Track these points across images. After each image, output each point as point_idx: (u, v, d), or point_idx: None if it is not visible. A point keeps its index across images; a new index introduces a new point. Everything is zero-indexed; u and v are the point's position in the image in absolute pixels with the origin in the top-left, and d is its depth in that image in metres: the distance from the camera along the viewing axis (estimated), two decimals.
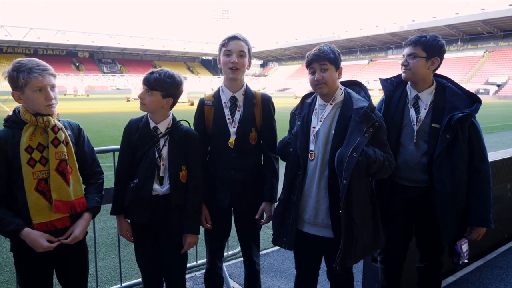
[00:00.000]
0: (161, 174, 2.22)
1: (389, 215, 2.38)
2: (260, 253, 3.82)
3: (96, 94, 57.18)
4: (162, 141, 2.23)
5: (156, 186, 2.20)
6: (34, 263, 1.96)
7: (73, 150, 2.00)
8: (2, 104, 29.67)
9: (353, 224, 1.98)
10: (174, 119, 2.30)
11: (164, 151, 2.22)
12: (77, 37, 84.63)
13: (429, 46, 2.27)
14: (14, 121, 1.92)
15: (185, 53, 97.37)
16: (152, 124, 2.24)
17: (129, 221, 2.31)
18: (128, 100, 34.57)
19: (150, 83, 2.17)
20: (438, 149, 2.21)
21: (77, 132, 2.11)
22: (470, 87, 53.03)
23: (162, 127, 2.24)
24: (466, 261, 2.30)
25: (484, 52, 64.31)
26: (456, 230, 2.30)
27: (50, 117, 1.93)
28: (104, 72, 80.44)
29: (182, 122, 2.33)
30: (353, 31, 79.33)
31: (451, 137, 2.19)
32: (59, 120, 2.02)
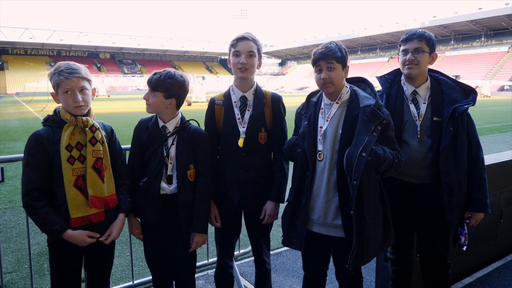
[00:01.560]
0: (169, 173, 2.24)
1: (392, 211, 2.34)
2: (273, 252, 3.84)
3: (117, 94, 58.35)
4: (170, 140, 2.25)
5: (164, 184, 2.23)
6: (70, 256, 2.06)
7: (107, 149, 2.11)
8: (27, 105, 30.72)
9: (364, 224, 1.96)
10: (183, 118, 2.33)
11: (172, 150, 2.25)
12: (98, 39, 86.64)
13: (431, 41, 2.29)
14: (55, 121, 2.03)
15: (204, 53, 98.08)
16: (160, 123, 2.27)
17: (139, 219, 2.34)
18: None
19: (152, 84, 2.20)
20: (443, 142, 2.24)
21: (110, 134, 2.21)
22: (494, 83, 51.42)
23: (171, 126, 2.27)
24: (467, 241, 2.39)
25: (509, 48, 62.12)
26: (459, 217, 2.35)
27: (88, 117, 2.04)
28: (125, 73, 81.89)
29: (191, 122, 2.35)
30: (372, 29, 78.10)
31: (454, 130, 2.22)
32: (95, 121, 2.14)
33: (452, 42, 71.78)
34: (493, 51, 63.68)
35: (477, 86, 53.07)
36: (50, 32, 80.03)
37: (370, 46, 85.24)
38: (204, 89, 33.65)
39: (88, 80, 2.06)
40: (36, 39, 77.68)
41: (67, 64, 2.00)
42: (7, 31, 75.65)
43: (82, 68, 2.04)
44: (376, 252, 2.09)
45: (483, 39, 67.17)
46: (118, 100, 40.30)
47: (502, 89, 52.31)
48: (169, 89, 2.19)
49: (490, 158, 3.55)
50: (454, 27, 68.05)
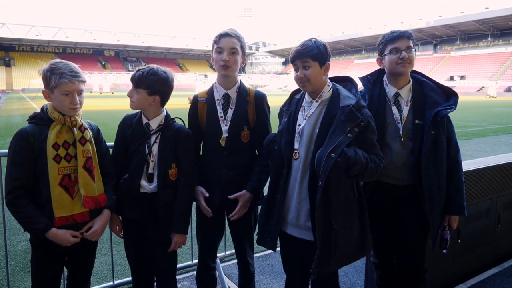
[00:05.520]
0: (150, 171, 2.20)
1: (372, 214, 2.27)
2: (262, 254, 3.77)
3: (121, 91, 58.43)
4: (153, 138, 2.21)
5: (144, 183, 2.19)
6: (52, 256, 2.02)
7: (95, 148, 2.08)
8: (31, 101, 30.98)
9: (330, 228, 1.87)
10: (167, 116, 2.28)
11: (155, 148, 2.21)
12: (103, 36, 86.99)
13: (414, 41, 2.27)
14: (42, 118, 1.99)
15: (208, 51, 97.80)
16: (144, 121, 2.24)
17: (120, 217, 2.30)
18: None
19: (135, 81, 2.16)
20: (425, 145, 2.19)
21: (97, 133, 2.18)
22: (501, 84, 50.98)
23: (154, 124, 2.23)
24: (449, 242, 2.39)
25: None
26: (440, 221, 2.33)
27: (76, 117, 2.01)
28: (129, 70, 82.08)
29: (176, 120, 2.30)
30: (377, 28, 77.50)
31: (435, 133, 2.18)
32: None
33: (458, 42, 71.17)
34: (499, 51, 62.97)
35: (483, 87, 52.70)
36: (56, 29, 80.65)
37: (374, 45, 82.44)
38: (206, 87, 33.59)
39: (85, 82, 2.04)
40: (42, 36, 78.23)
41: (68, 66, 1.96)
42: (14, 28, 76.19)
43: (80, 70, 2.02)
44: (349, 259, 2.00)
45: (489, 39, 66.51)
46: (121, 97, 40.37)
47: (508, 90, 51.72)
48: (152, 85, 2.15)
49: (488, 161, 3.46)
50: (460, 26, 67.44)
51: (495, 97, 44.09)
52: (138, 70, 2.19)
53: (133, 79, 2.17)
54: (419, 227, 2.29)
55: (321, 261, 1.88)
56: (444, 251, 2.37)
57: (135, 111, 2.30)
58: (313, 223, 1.94)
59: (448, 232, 2.36)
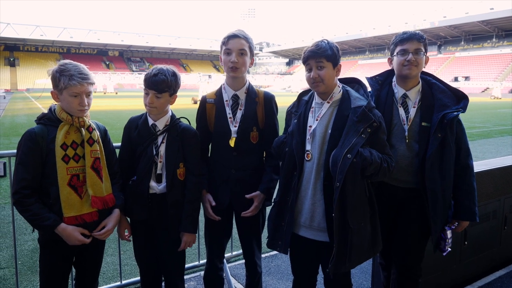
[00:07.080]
0: (158, 172, 2.21)
1: (379, 214, 2.25)
2: (268, 254, 3.77)
3: (125, 92, 58.70)
4: (160, 139, 2.22)
5: (153, 183, 2.20)
6: (61, 255, 2.03)
7: (103, 149, 2.10)
8: (35, 101, 31.16)
9: (347, 228, 1.89)
10: (173, 116, 2.29)
11: (162, 148, 2.22)
12: (107, 36, 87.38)
13: (426, 43, 2.25)
14: (50, 119, 2.01)
15: (212, 51, 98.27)
16: (150, 122, 2.24)
17: (128, 219, 2.30)
18: None
19: (159, 87, 2.13)
20: (430, 148, 2.16)
21: (104, 134, 2.19)
22: (506, 85, 50.65)
23: (160, 124, 2.23)
24: (449, 249, 2.31)
25: None
26: (443, 224, 2.29)
27: (84, 118, 2.03)
28: (133, 70, 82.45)
29: (181, 120, 2.31)
30: (381, 29, 77.31)
31: (442, 136, 2.15)
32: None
33: (463, 42, 70.83)
34: (504, 52, 62.60)
35: (488, 88, 52.39)
36: (60, 29, 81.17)
37: (378, 46, 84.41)
38: (210, 87, 33.83)
39: (93, 84, 2.06)
40: (47, 36, 78.68)
41: (77, 68, 1.96)
42: (18, 28, 76.69)
43: (89, 72, 2.03)
44: (361, 259, 2.01)
45: (494, 39, 66.13)
46: (125, 97, 40.52)
47: None
48: (175, 87, 2.20)
49: (494, 162, 3.45)
50: (464, 27, 67.10)
51: (500, 98, 43.75)
52: (156, 75, 2.14)
53: (155, 85, 2.12)
54: (419, 230, 2.27)
55: (338, 261, 1.89)
56: (444, 253, 2.32)
57: (140, 113, 2.32)
58: (329, 224, 1.95)
59: (447, 232, 2.30)
